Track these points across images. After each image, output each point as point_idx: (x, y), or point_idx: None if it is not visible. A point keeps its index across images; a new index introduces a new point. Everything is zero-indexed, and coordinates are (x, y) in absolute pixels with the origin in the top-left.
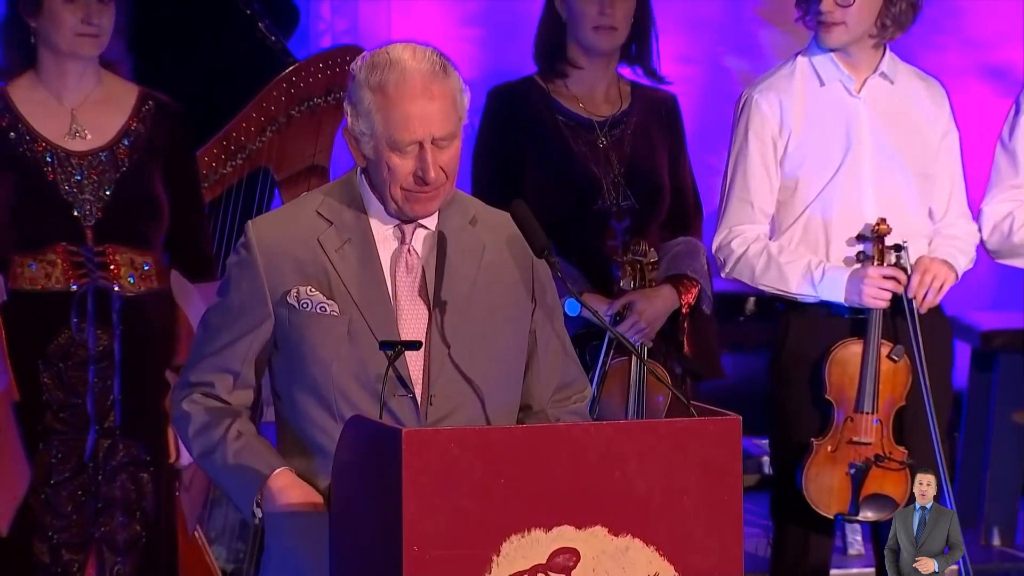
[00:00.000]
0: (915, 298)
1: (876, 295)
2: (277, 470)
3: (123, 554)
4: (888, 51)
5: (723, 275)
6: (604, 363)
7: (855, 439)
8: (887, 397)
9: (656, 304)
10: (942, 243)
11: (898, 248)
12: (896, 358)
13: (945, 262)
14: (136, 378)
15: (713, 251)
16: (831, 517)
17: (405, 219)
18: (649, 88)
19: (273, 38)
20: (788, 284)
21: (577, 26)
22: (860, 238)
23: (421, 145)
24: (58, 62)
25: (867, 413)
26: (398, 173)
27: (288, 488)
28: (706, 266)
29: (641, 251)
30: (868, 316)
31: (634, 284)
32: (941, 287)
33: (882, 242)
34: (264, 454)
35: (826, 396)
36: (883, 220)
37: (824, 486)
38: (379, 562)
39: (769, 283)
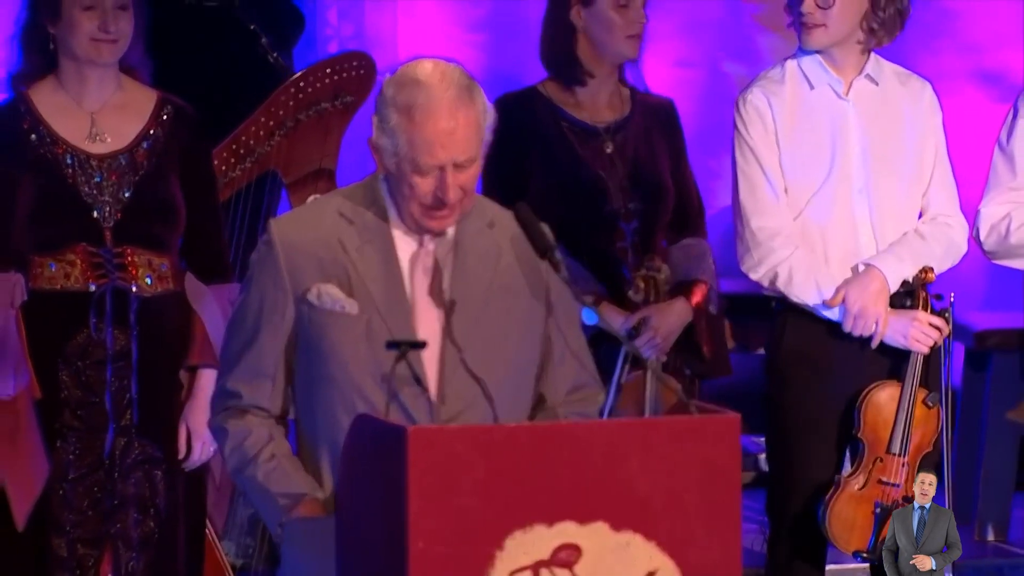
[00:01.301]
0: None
1: (922, 339)
2: (303, 499)
3: (137, 550)
4: (872, 53)
5: (749, 270)
6: (620, 376)
7: (884, 479)
8: (916, 441)
9: (671, 319)
10: (898, 242)
11: (940, 297)
12: (931, 404)
13: (878, 290)
14: (152, 378)
15: (745, 246)
16: (849, 554)
17: (421, 231)
18: (647, 94)
19: (275, 54)
20: (818, 306)
21: (608, 34)
22: (902, 284)
23: (442, 168)
24: (78, 68)
25: (898, 455)
26: (418, 191)
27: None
28: (713, 266)
29: (655, 266)
30: (908, 360)
31: (647, 299)
32: (876, 330)
33: (925, 289)
34: (294, 479)
35: (859, 435)
36: (929, 269)
37: (848, 523)
38: (384, 558)
39: (801, 297)
